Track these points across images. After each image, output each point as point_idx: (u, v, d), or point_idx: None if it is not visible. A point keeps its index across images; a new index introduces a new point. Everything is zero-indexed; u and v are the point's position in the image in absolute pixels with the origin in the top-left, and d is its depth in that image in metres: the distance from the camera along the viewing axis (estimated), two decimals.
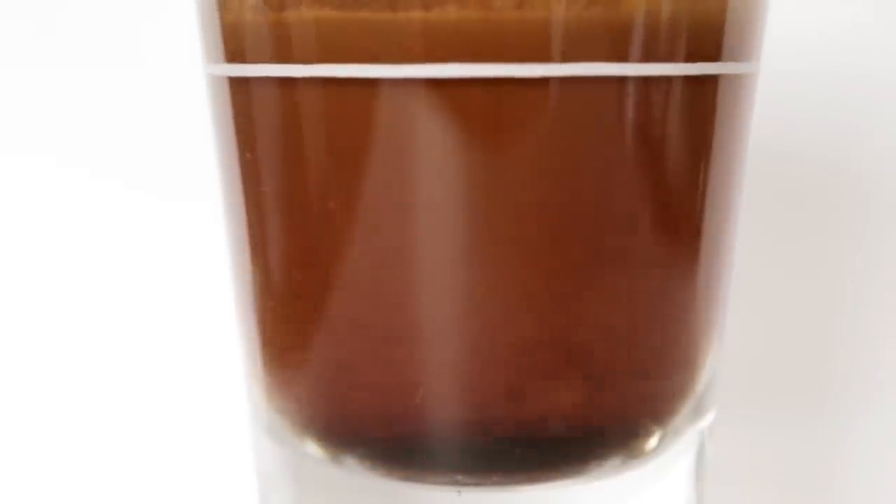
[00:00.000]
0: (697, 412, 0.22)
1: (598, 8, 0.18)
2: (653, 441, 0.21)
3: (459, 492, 0.20)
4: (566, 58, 0.18)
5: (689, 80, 0.19)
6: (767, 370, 0.38)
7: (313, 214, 0.19)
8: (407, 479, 0.20)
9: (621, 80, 0.18)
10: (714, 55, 0.19)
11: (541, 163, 0.18)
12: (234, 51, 0.20)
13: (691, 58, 0.19)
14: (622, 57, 0.18)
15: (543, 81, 0.18)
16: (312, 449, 0.21)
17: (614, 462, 0.21)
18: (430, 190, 0.18)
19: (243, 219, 0.21)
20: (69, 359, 0.38)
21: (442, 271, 0.19)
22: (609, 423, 0.21)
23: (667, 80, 0.19)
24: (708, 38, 0.19)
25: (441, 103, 0.18)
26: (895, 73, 0.36)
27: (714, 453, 0.23)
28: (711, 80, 0.20)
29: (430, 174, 0.18)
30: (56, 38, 0.36)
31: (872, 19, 0.36)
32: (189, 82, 0.25)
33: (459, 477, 0.20)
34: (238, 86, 0.20)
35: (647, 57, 0.18)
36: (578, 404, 0.20)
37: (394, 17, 0.17)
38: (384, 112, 0.18)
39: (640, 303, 0.20)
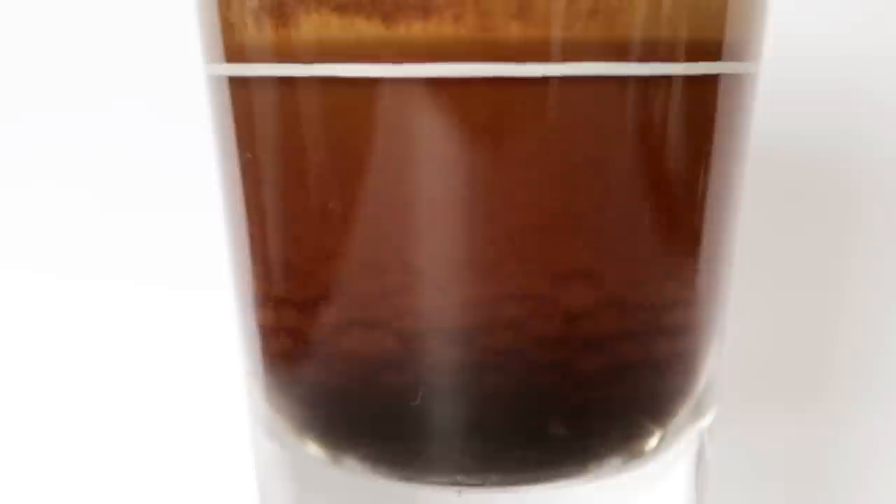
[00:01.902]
0: (697, 412, 0.22)
1: (599, 22, 0.18)
2: (653, 441, 0.21)
3: (459, 492, 0.20)
4: (566, 58, 0.18)
5: (689, 80, 0.19)
6: (767, 370, 0.38)
7: (313, 214, 0.19)
8: (407, 479, 0.20)
9: (621, 80, 0.18)
10: (714, 55, 0.19)
11: (541, 163, 0.18)
12: (234, 51, 0.20)
13: (691, 58, 0.19)
14: (622, 57, 0.18)
15: (543, 81, 0.18)
16: (312, 449, 0.21)
17: (614, 462, 0.21)
18: (430, 190, 0.18)
19: (243, 219, 0.21)
20: (72, 359, 0.38)
21: (442, 271, 0.19)
22: (609, 423, 0.21)
23: (667, 80, 0.19)
24: (708, 38, 0.19)
25: (441, 103, 0.18)
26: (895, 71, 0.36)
27: (714, 453, 0.23)
28: (711, 80, 0.20)
29: (431, 174, 0.18)
30: (54, 38, 0.36)
31: (873, 18, 0.36)
32: (189, 82, 0.25)
33: (459, 477, 0.20)
34: (238, 86, 0.20)
35: (647, 57, 0.18)
36: (577, 403, 0.20)
37: (392, 29, 0.17)
38: (384, 112, 0.18)
39: (640, 303, 0.20)
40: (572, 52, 0.18)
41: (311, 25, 0.18)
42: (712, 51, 0.19)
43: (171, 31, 0.30)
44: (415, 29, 0.17)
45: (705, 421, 0.22)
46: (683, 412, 0.22)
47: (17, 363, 0.38)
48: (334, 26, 0.18)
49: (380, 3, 0.17)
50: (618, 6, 0.18)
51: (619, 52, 0.18)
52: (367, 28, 0.18)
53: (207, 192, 0.25)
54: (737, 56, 0.20)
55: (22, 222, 0.38)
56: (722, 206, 0.21)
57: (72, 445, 0.38)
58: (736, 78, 0.20)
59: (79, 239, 0.38)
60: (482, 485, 0.20)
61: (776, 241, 0.37)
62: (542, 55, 0.17)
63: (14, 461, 0.38)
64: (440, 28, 0.17)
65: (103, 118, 0.36)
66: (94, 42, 0.36)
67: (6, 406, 0.38)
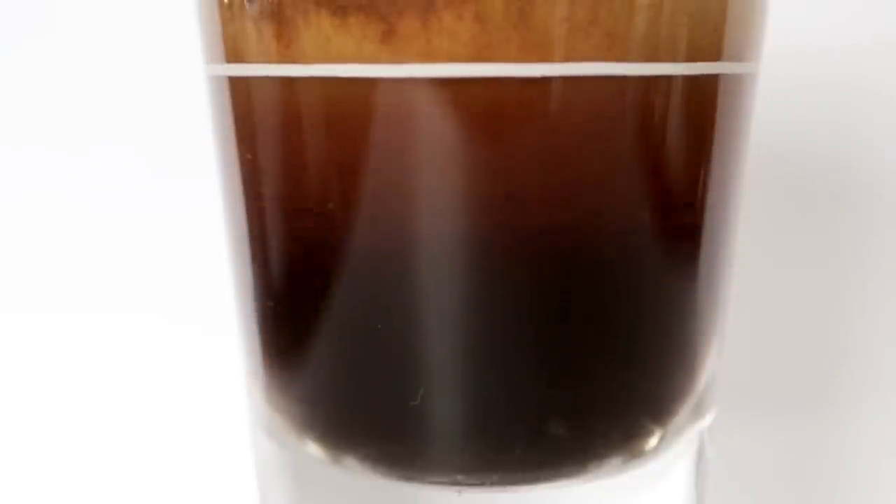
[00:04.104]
0: (697, 412, 0.22)
1: (599, 29, 0.18)
2: (653, 441, 0.21)
3: (459, 492, 0.20)
4: (566, 58, 0.18)
5: (689, 80, 0.19)
6: (768, 370, 0.38)
7: (313, 214, 0.19)
8: (407, 479, 0.20)
9: (621, 80, 0.18)
10: (714, 55, 0.19)
11: (540, 163, 0.18)
12: (234, 51, 0.20)
13: (691, 58, 0.19)
14: (622, 57, 0.18)
15: (543, 81, 0.18)
16: (312, 449, 0.21)
17: (614, 462, 0.21)
18: (429, 190, 0.18)
19: (243, 218, 0.21)
20: (72, 359, 0.38)
21: (441, 271, 0.19)
22: (609, 423, 0.21)
23: (667, 80, 0.19)
24: (708, 38, 0.19)
25: (441, 103, 0.18)
26: (895, 70, 0.36)
27: (714, 453, 0.23)
28: (711, 80, 0.20)
29: (430, 174, 0.18)
30: (54, 37, 0.36)
31: (873, 18, 0.36)
32: (189, 82, 0.25)
33: (459, 477, 0.20)
34: (238, 86, 0.20)
35: (647, 57, 0.18)
36: (577, 403, 0.20)
37: (391, 35, 0.17)
38: (384, 112, 0.18)
39: (641, 303, 0.20)
40: (572, 56, 0.18)
41: (310, 29, 0.18)
42: (712, 51, 0.19)
43: (171, 31, 0.30)
44: (414, 35, 0.17)
45: (705, 421, 0.22)
46: (683, 412, 0.22)
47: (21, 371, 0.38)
48: (333, 30, 0.18)
49: (379, 7, 0.17)
50: (618, 12, 0.18)
51: (619, 54, 0.18)
52: (365, 31, 0.18)
53: (201, 196, 0.25)
54: (737, 56, 0.20)
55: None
56: (722, 206, 0.21)
57: (73, 445, 0.38)
58: (736, 78, 0.20)
59: (78, 236, 0.38)
60: (482, 485, 0.20)
61: (777, 241, 0.37)
62: (542, 60, 0.17)
63: (16, 461, 0.38)
64: (439, 34, 0.17)
65: (102, 119, 0.36)
66: (93, 43, 0.36)
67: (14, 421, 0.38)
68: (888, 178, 0.37)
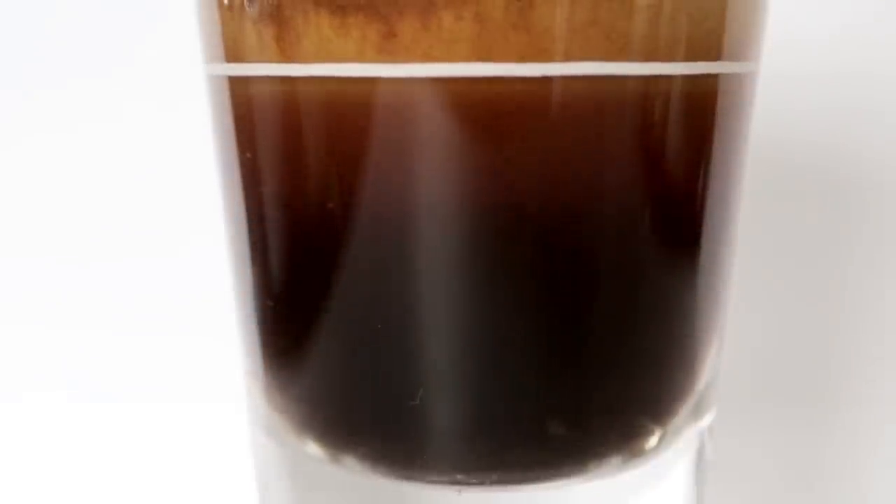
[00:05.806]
0: (697, 412, 0.22)
1: (599, 30, 0.18)
2: (653, 441, 0.21)
3: (459, 491, 0.20)
4: (566, 58, 0.18)
5: (688, 79, 0.19)
6: (768, 370, 0.38)
7: (313, 214, 0.19)
8: (407, 478, 0.20)
9: (621, 80, 0.18)
10: (714, 55, 0.19)
11: (541, 162, 0.18)
12: (234, 51, 0.20)
13: (691, 58, 0.19)
14: (622, 57, 0.18)
15: (543, 81, 0.18)
16: (312, 448, 0.21)
17: (614, 462, 0.21)
18: (429, 190, 0.18)
19: (243, 218, 0.21)
20: (70, 359, 0.38)
21: (440, 272, 0.19)
22: (609, 422, 0.21)
23: (667, 79, 0.19)
24: (708, 38, 0.19)
25: (441, 103, 0.18)
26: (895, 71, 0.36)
27: (714, 453, 0.23)
28: (711, 80, 0.20)
29: (431, 174, 0.18)
30: (53, 37, 0.36)
31: (873, 18, 0.36)
32: (189, 82, 0.25)
33: (459, 476, 0.20)
34: (238, 86, 0.20)
35: (647, 57, 0.18)
36: (577, 403, 0.20)
37: (391, 33, 0.17)
38: (384, 112, 0.18)
39: (641, 302, 0.20)
40: (572, 56, 0.18)
41: (310, 29, 0.18)
42: (712, 51, 0.19)
43: (171, 31, 0.30)
44: (414, 36, 0.17)
45: (705, 421, 0.23)
46: (683, 412, 0.22)
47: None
48: (333, 30, 0.18)
49: (378, 7, 0.17)
50: (618, 13, 0.18)
51: (619, 54, 0.18)
52: (365, 31, 0.18)
53: (200, 195, 0.25)
54: (737, 56, 0.20)
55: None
56: (722, 206, 0.21)
57: (73, 445, 0.38)
58: (736, 78, 0.20)
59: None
60: (482, 484, 0.20)
61: (776, 241, 0.37)
62: (542, 59, 0.17)
63: (15, 460, 0.38)
64: (439, 34, 0.17)
65: (101, 118, 0.36)
66: (92, 42, 0.36)
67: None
68: (890, 178, 0.37)
